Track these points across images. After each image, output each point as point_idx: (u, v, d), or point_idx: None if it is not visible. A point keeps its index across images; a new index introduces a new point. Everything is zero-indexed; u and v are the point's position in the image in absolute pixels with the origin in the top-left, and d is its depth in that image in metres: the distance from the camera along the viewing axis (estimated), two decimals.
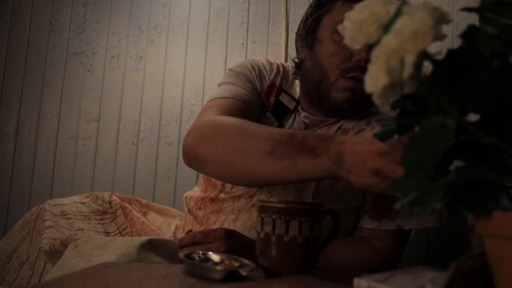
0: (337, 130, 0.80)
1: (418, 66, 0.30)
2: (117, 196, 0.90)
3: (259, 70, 0.82)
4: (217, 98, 0.76)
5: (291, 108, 0.81)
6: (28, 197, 1.53)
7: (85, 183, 1.53)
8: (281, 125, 0.81)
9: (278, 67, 0.85)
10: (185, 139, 0.68)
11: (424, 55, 0.30)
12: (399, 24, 0.29)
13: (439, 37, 0.30)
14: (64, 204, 0.82)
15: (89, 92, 1.57)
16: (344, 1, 0.74)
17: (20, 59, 1.58)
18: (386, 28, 0.31)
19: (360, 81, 0.72)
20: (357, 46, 0.34)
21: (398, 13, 0.30)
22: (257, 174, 0.60)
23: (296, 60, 0.83)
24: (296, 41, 0.83)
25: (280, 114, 0.81)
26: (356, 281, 0.40)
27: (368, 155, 0.50)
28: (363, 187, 0.53)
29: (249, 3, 1.57)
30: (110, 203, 0.88)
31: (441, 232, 0.98)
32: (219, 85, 0.82)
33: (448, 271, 0.32)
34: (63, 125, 1.56)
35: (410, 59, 0.29)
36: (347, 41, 0.35)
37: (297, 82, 0.84)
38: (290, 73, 0.85)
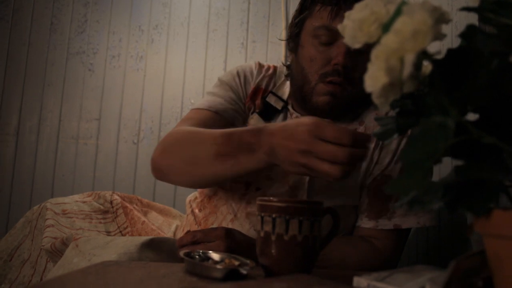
0: None
1: (417, 65, 0.30)
2: (118, 195, 0.90)
3: (245, 76, 0.85)
4: (194, 109, 0.81)
5: (279, 108, 0.83)
6: (29, 196, 1.53)
7: (85, 182, 1.53)
8: None
9: (268, 69, 0.87)
10: (152, 155, 0.74)
11: (423, 55, 0.30)
12: (399, 24, 0.29)
13: (439, 36, 0.30)
14: (65, 203, 0.82)
15: (90, 91, 1.57)
16: (321, 5, 0.74)
17: (21, 59, 1.59)
18: (386, 27, 0.31)
19: (339, 85, 0.73)
20: (357, 45, 0.34)
21: (398, 13, 0.31)
22: (210, 177, 0.67)
23: (288, 63, 0.85)
24: (285, 45, 0.85)
25: (268, 114, 0.83)
26: (356, 280, 0.40)
27: (292, 151, 0.54)
28: (298, 174, 0.58)
29: (249, 3, 1.57)
30: (111, 202, 0.88)
31: (440, 231, 0.98)
32: (207, 93, 0.86)
33: (447, 270, 0.32)
34: (64, 125, 1.56)
35: (410, 58, 0.29)
36: (347, 40, 0.35)
37: (287, 83, 0.86)
38: (283, 74, 0.87)
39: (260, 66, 0.87)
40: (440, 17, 0.30)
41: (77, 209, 0.82)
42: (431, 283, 0.35)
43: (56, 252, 0.71)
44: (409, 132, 0.36)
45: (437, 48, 0.31)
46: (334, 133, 0.52)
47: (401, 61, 0.29)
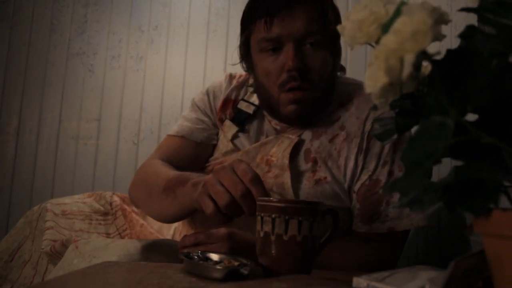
0: (301, 133, 0.80)
1: (417, 65, 0.30)
2: (118, 196, 0.90)
3: (214, 93, 0.88)
4: (168, 135, 0.88)
5: (250, 112, 0.84)
6: (29, 196, 1.53)
7: (86, 182, 1.53)
8: (243, 130, 0.84)
9: (239, 78, 0.89)
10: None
11: (423, 55, 0.30)
12: (398, 24, 0.29)
13: (439, 37, 0.30)
14: (65, 203, 0.82)
15: (90, 91, 1.57)
16: (259, 19, 0.75)
17: (21, 59, 1.59)
18: (385, 28, 0.31)
19: (300, 89, 0.73)
20: (356, 46, 0.34)
21: (397, 13, 0.31)
22: (159, 210, 0.72)
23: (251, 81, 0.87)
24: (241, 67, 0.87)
25: (240, 119, 0.85)
26: (356, 280, 0.40)
27: (209, 176, 0.60)
28: (196, 199, 0.61)
29: None
30: (111, 204, 0.88)
31: (440, 231, 0.98)
32: (180, 117, 0.91)
33: (447, 270, 0.32)
34: (64, 125, 1.56)
35: (409, 58, 0.29)
36: (347, 41, 0.35)
37: None
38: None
39: (231, 77, 0.89)
40: (439, 18, 0.30)
41: (77, 209, 0.82)
42: (431, 283, 0.35)
43: (56, 255, 0.71)
44: (395, 136, 0.37)
45: (436, 49, 0.31)
46: (243, 169, 0.57)
47: (401, 61, 0.29)
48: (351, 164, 0.76)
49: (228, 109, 0.86)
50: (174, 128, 0.87)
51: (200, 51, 1.57)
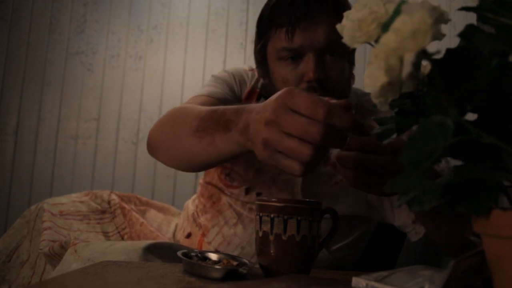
0: None
1: (417, 65, 0.30)
2: (116, 195, 0.90)
3: (241, 76, 0.84)
4: (194, 96, 0.78)
5: None
6: (28, 196, 1.53)
7: (85, 182, 1.53)
8: None
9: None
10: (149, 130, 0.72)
11: (423, 54, 0.30)
12: (398, 23, 0.29)
13: (438, 36, 0.30)
14: (63, 203, 0.82)
15: (89, 91, 1.57)
16: (276, 27, 0.73)
17: (20, 59, 1.58)
18: (385, 27, 0.31)
19: None
20: (356, 45, 0.34)
21: (397, 12, 0.30)
22: (187, 154, 0.62)
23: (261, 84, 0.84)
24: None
25: None
26: (355, 280, 0.40)
27: (258, 123, 0.46)
28: (263, 160, 0.48)
29: (248, 3, 1.57)
30: (109, 202, 0.88)
31: None
32: (203, 86, 0.85)
33: (446, 270, 0.32)
34: (63, 124, 1.56)
35: (409, 58, 0.29)
36: (346, 40, 0.35)
37: None
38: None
39: (254, 70, 0.87)
40: (439, 17, 0.30)
41: (74, 209, 0.82)
42: (430, 283, 0.35)
43: (54, 256, 0.70)
44: (394, 135, 0.36)
45: (435, 48, 0.31)
46: (307, 103, 0.42)
47: (401, 60, 0.29)
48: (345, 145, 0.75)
49: (252, 101, 0.83)
50: (199, 91, 0.79)
51: (199, 50, 1.57)
